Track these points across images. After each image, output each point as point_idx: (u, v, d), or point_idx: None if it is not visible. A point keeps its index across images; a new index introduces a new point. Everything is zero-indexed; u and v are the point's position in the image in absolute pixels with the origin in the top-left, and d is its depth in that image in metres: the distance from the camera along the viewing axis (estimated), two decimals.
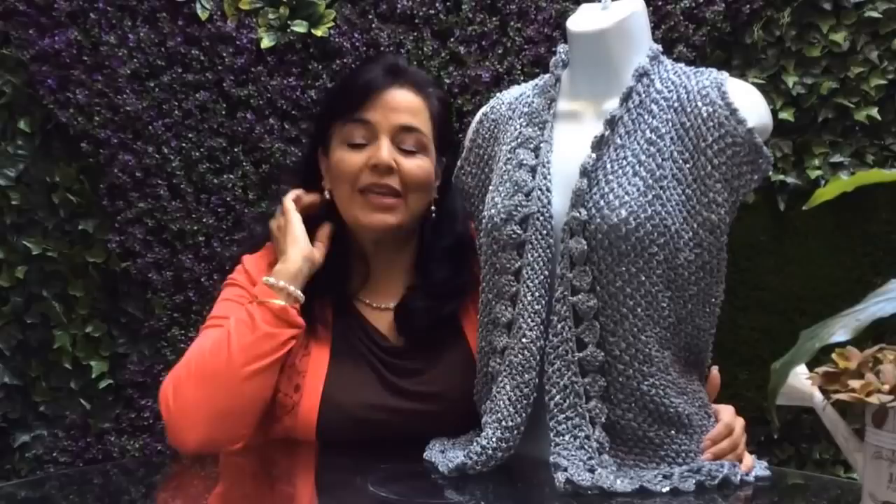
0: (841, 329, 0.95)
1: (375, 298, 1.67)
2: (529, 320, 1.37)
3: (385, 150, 1.59)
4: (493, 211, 1.44)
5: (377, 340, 1.63)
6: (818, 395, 1.20)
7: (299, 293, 1.56)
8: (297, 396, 1.57)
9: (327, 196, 1.67)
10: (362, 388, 1.57)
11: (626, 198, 1.34)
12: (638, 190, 1.34)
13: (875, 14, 2.39)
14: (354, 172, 1.60)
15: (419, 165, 1.62)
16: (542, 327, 1.37)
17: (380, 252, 1.67)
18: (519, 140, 1.47)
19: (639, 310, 1.34)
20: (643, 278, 1.34)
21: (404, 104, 1.61)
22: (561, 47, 1.52)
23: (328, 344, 1.61)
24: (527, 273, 1.38)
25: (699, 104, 1.38)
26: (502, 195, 1.43)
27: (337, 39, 2.42)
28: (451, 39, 2.42)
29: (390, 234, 1.63)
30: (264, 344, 1.50)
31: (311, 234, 1.64)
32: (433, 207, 1.67)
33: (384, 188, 1.59)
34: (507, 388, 1.39)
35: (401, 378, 1.60)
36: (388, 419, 1.56)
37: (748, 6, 2.42)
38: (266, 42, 2.43)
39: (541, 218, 1.38)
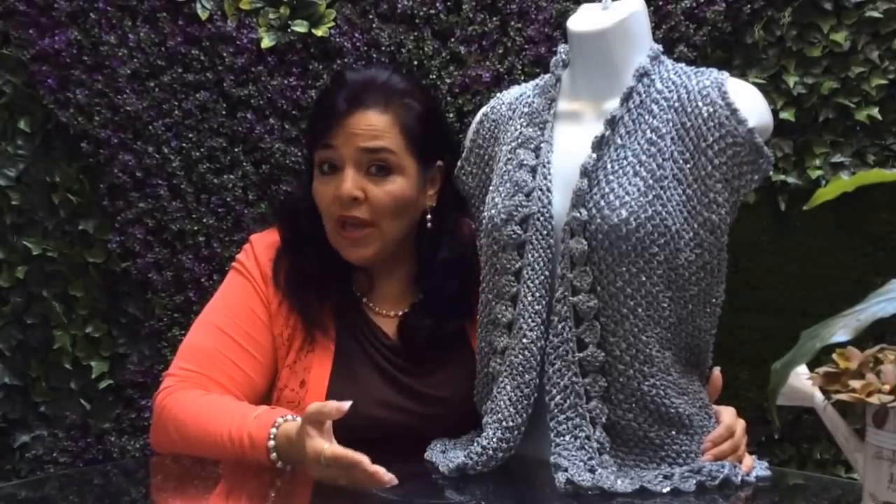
0: (842, 329, 0.94)
1: (379, 304, 1.66)
2: (530, 321, 1.37)
3: (348, 182, 1.55)
4: (493, 211, 1.44)
5: (382, 340, 1.63)
6: (819, 396, 1.20)
7: (284, 466, 1.44)
8: (303, 392, 1.57)
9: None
10: (368, 385, 1.57)
11: (627, 198, 1.34)
12: (638, 190, 1.34)
13: (876, 14, 2.39)
14: (327, 204, 1.58)
15: (388, 191, 1.56)
16: (542, 328, 1.37)
17: (375, 267, 1.65)
18: (519, 140, 1.47)
19: (639, 310, 1.34)
20: (644, 278, 1.34)
21: (366, 127, 1.56)
22: (561, 47, 1.52)
23: (332, 341, 1.60)
24: (527, 273, 1.38)
25: (700, 104, 1.38)
26: (502, 195, 1.43)
27: (337, 39, 2.42)
28: (452, 39, 2.42)
29: (370, 262, 1.62)
30: (226, 457, 1.49)
31: (301, 232, 1.65)
32: (429, 216, 1.64)
33: (353, 219, 1.57)
34: (508, 388, 1.38)
35: (406, 377, 1.60)
36: (393, 417, 1.56)
37: (749, 6, 2.42)
38: (266, 42, 2.43)
39: (541, 218, 1.38)
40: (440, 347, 1.62)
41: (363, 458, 1.29)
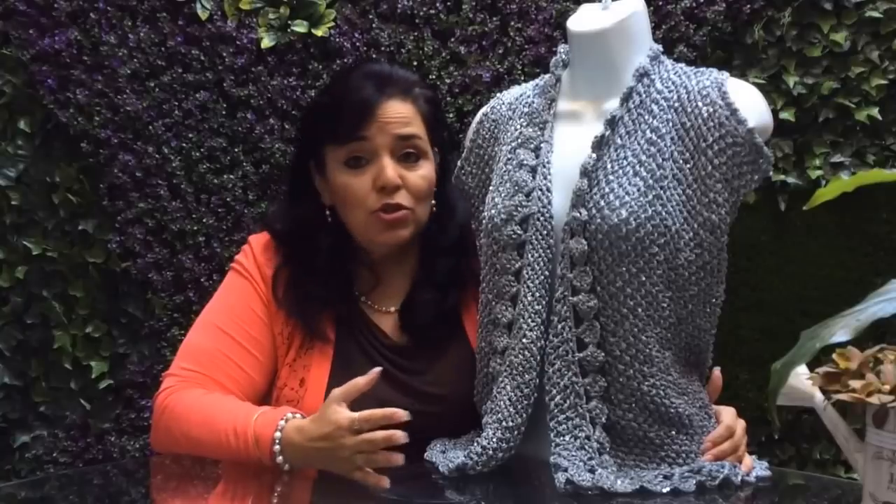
0: (841, 329, 0.95)
1: (379, 301, 1.66)
2: (530, 321, 1.37)
3: (390, 170, 1.57)
4: (493, 211, 1.44)
5: (381, 339, 1.63)
6: (819, 396, 1.20)
7: (284, 463, 1.44)
8: (303, 391, 1.57)
9: (328, 212, 1.66)
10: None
11: (627, 198, 1.34)
12: (638, 190, 1.34)
13: (876, 14, 2.39)
14: (363, 196, 1.58)
15: (422, 176, 1.60)
16: (542, 328, 1.37)
17: (387, 259, 1.66)
18: (519, 140, 1.47)
19: (639, 310, 1.34)
20: (644, 278, 1.34)
21: (397, 115, 1.59)
22: (561, 47, 1.52)
23: (332, 340, 1.61)
24: (527, 273, 1.38)
25: (700, 104, 1.38)
26: (502, 195, 1.43)
27: (337, 39, 2.42)
28: (452, 39, 2.42)
29: (401, 246, 1.63)
30: (229, 455, 1.49)
31: (312, 242, 1.64)
32: (433, 201, 1.66)
33: (395, 206, 1.58)
34: (508, 388, 1.38)
35: (405, 375, 1.60)
36: None
37: (749, 6, 2.42)
38: (266, 42, 2.43)
39: (541, 218, 1.38)
40: (439, 339, 1.62)
41: (396, 410, 1.37)
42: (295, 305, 1.61)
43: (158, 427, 1.57)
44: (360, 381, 1.40)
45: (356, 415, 1.37)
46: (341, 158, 1.60)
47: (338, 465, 1.39)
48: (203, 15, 2.44)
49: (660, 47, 1.47)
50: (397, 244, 1.62)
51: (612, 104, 1.42)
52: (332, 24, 2.43)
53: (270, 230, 1.69)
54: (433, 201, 1.65)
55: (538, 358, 1.37)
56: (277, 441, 1.42)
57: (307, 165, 1.66)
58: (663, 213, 1.33)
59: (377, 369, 1.40)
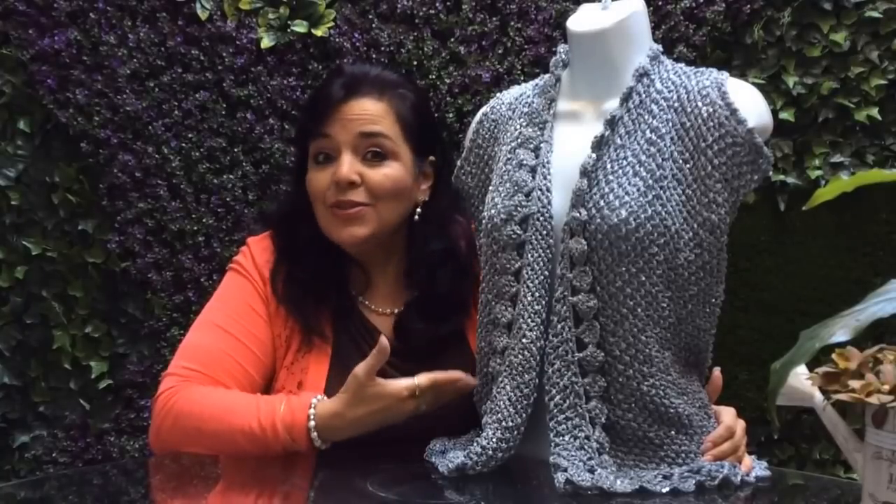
0: (841, 329, 0.94)
1: (375, 302, 1.67)
2: (529, 321, 1.37)
3: (345, 166, 1.58)
4: (492, 211, 1.44)
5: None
6: (818, 396, 1.20)
7: (321, 444, 1.49)
8: (300, 393, 1.57)
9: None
10: None
11: (627, 198, 1.34)
12: (638, 190, 1.34)
13: (875, 14, 2.39)
14: (322, 190, 1.60)
15: (386, 174, 1.59)
16: (542, 328, 1.37)
17: (370, 259, 1.66)
18: (519, 140, 1.47)
19: (639, 310, 1.34)
20: (643, 278, 1.34)
21: (362, 113, 1.59)
22: (561, 47, 1.52)
23: (330, 341, 1.61)
24: (527, 273, 1.38)
25: (699, 104, 1.38)
26: (502, 195, 1.43)
27: (337, 39, 2.42)
28: (451, 39, 2.42)
29: (365, 244, 1.62)
30: (248, 449, 1.49)
31: (299, 232, 1.66)
32: (419, 210, 1.66)
33: (349, 203, 1.58)
34: (508, 388, 1.38)
35: (403, 376, 1.60)
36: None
37: (748, 6, 2.42)
38: (266, 42, 2.43)
39: (541, 218, 1.38)
40: (437, 347, 1.62)
41: (459, 373, 1.48)
42: (292, 300, 1.61)
43: (163, 427, 1.56)
44: (373, 360, 1.45)
45: (417, 381, 1.46)
46: (313, 154, 1.63)
47: (393, 420, 1.47)
48: (203, 15, 2.44)
49: (659, 47, 1.47)
50: (354, 241, 1.61)
51: (612, 104, 1.42)
52: (332, 24, 2.43)
53: (266, 217, 1.71)
54: (419, 210, 1.65)
55: (538, 358, 1.37)
56: (313, 428, 1.46)
57: (304, 160, 1.68)
58: (663, 213, 1.33)
59: (384, 341, 1.45)
